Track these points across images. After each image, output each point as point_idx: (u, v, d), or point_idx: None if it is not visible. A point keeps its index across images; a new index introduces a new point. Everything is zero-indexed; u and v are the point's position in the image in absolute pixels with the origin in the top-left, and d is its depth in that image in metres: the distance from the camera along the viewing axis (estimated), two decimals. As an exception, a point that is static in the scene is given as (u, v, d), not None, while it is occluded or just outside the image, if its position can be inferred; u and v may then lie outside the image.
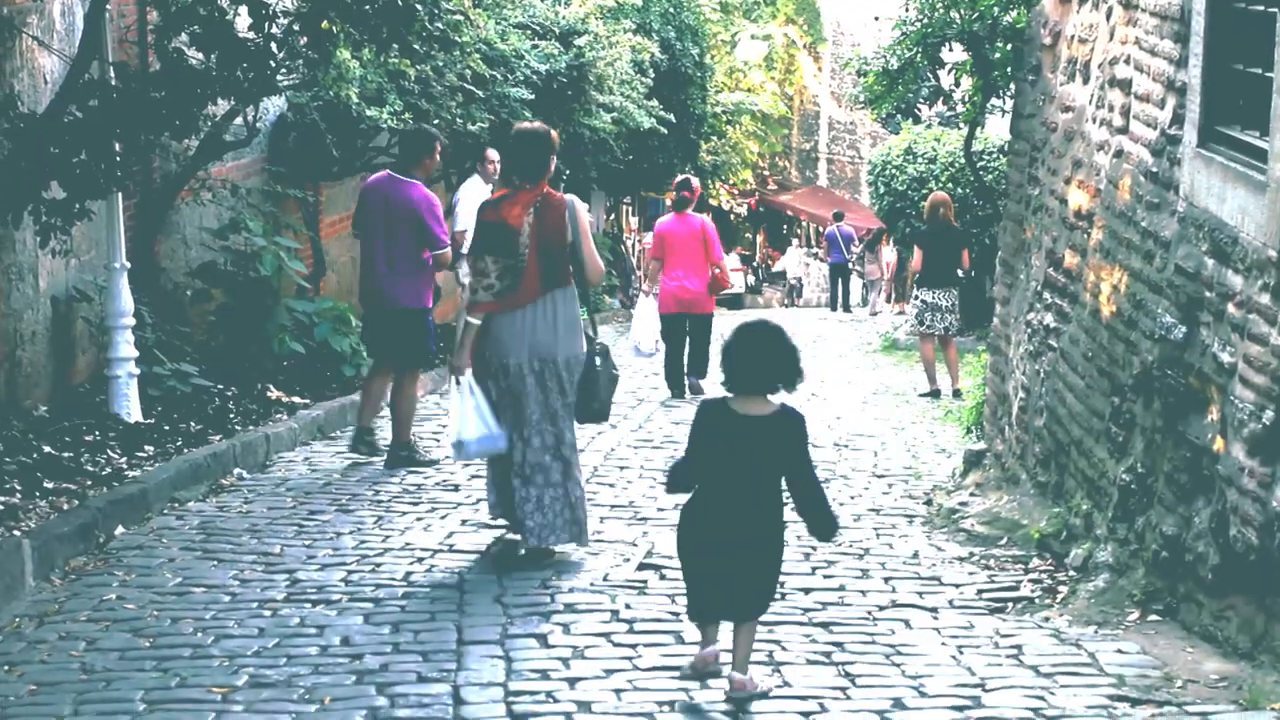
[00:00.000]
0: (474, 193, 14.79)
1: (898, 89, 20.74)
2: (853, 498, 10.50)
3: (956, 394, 15.94)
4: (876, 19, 24.47)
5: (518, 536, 8.63)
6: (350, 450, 11.47)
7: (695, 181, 16.79)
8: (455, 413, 8.64)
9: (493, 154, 14.95)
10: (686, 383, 15.65)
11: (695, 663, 6.49)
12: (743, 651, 6.37)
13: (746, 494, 6.33)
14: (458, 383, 8.62)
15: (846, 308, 36.99)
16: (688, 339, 15.70)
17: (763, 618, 7.24)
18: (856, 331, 28.09)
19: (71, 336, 11.54)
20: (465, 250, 15.24)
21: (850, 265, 38.55)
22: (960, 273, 17.35)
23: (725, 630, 6.48)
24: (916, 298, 17.40)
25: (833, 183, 55.54)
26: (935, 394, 16.36)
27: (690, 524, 6.45)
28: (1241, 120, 7.10)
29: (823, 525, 6.41)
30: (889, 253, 36.45)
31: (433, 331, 11.63)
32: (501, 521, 8.91)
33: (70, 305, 11.37)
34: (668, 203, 36.69)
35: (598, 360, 8.71)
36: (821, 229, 45.23)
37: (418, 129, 11.82)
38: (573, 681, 6.47)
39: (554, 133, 9.00)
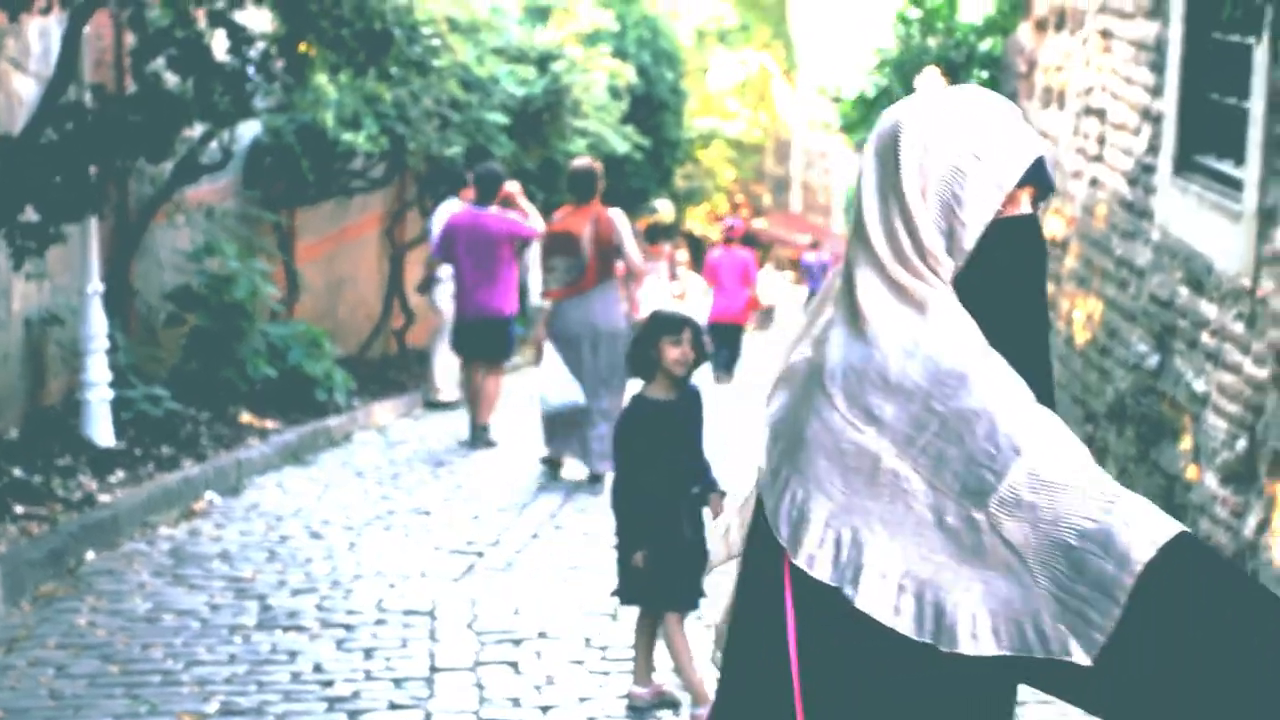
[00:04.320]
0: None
1: (872, 116, 20.81)
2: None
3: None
4: (852, 48, 24.54)
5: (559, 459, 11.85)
6: (472, 446, 13.27)
7: (739, 223, 22.81)
8: (542, 375, 11.57)
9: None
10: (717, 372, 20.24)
11: (641, 698, 6.53)
12: (692, 671, 6.47)
13: (677, 474, 6.49)
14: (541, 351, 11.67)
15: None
16: (724, 340, 20.39)
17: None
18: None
19: (44, 359, 11.48)
20: (440, 274, 15.32)
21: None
22: None
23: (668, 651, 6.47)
24: None
25: (806, 208, 55.65)
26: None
27: (631, 508, 6.61)
28: (1217, 149, 7.13)
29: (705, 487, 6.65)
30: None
31: (514, 334, 13.93)
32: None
33: (43, 328, 11.31)
34: (640, 229, 36.84)
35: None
36: (793, 257, 45.33)
37: (490, 169, 13.48)
38: (545, 709, 6.46)
39: (599, 165, 12.04)
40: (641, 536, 6.48)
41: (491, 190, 13.22)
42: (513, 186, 13.70)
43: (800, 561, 2.27)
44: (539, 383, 11.72)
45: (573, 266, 11.48)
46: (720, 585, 2.70)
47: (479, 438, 13.35)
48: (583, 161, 12.07)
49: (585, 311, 11.53)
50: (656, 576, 6.47)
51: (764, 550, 2.40)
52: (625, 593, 6.74)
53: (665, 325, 6.61)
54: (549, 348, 11.59)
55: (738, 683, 2.49)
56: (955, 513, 2.18)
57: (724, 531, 2.68)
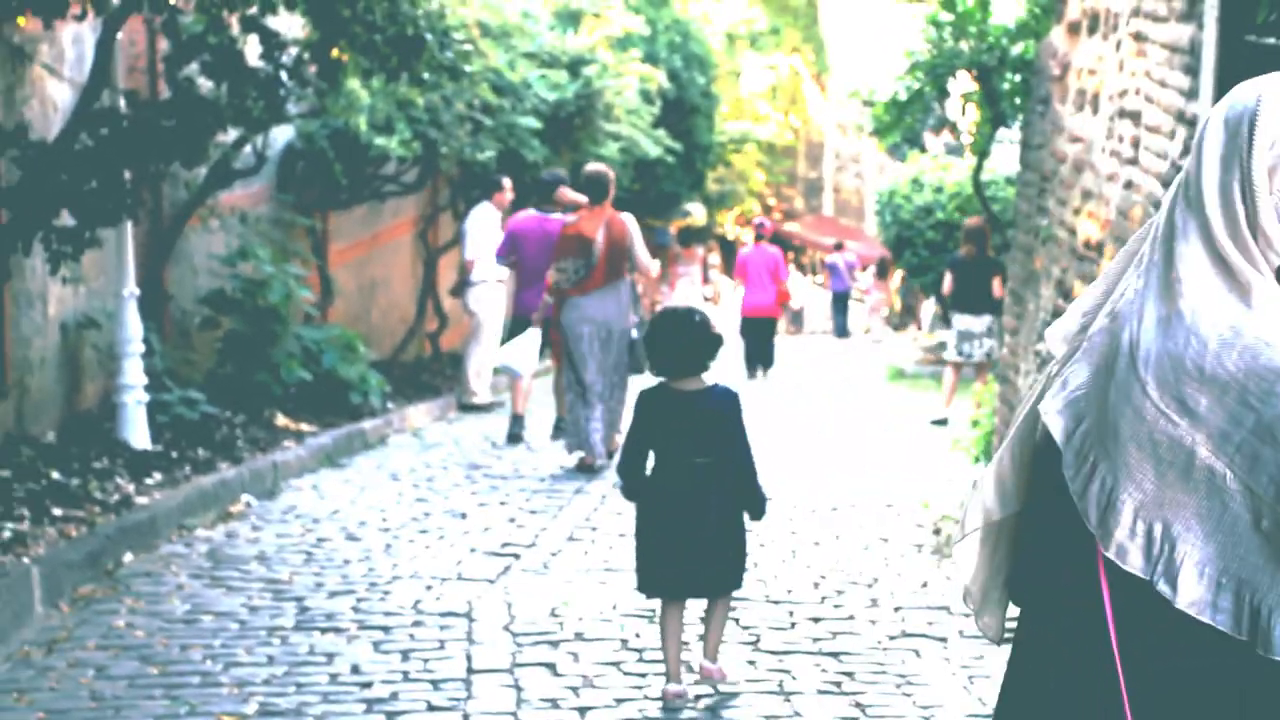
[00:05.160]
0: (483, 222, 14.98)
1: (905, 120, 20.74)
2: (861, 526, 10.50)
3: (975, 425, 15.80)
4: (884, 51, 24.51)
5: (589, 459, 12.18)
6: (510, 440, 13.88)
7: (768, 222, 24.62)
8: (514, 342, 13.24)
9: (508, 182, 15.35)
10: (758, 366, 22.17)
11: (676, 696, 6.56)
12: (714, 638, 6.73)
13: (693, 466, 6.56)
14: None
15: (847, 333, 37.32)
16: (758, 335, 22.24)
17: (772, 647, 7.23)
18: (861, 360, 28.10)
19: (80, 363, 11.55)
20: (473, 278, 15.38)
21: (854, 292, 38.80)
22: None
23: (696, 653, 6.48)
24: (949, 324, 17.30)
25: (838, 211, 55.58)
26: (943, 422, 16.27)
27: (647, 503, 6.69)
28: (1252, 152, 7.10)
29: (752, 505, 6.70)
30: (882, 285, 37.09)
31: None
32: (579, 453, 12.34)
33: (79, 332, 11.38)
34: (673, 232, 36.95)
35: (633, 332, 12.07)
36: (823, 259, 45.36)
37: (552, 174, 14.22)
38: (583, 711, 6.46)
39: (611, 170, 12.67)
40: (653, 522, 6.62)
41: (550, 195, 13.80)
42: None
43: (1110, 552, 2.26)
44: (507, 346, 13.39)
45: (581, 267, 12.04)
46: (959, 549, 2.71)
47: (520, 425, 13.99)
48: (596, 165, 12.76)
49: (593, 310, 12.06)
50: (679, 564, 6.55)
51: (1059, 524, 2.38)
52: (659, 586, 6.76)
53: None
54: (533, 331, 12.94)
55: (1038, 660, 2.50)
56: (1270, 517, 2.16)
57: (973, 486, 2.66)
